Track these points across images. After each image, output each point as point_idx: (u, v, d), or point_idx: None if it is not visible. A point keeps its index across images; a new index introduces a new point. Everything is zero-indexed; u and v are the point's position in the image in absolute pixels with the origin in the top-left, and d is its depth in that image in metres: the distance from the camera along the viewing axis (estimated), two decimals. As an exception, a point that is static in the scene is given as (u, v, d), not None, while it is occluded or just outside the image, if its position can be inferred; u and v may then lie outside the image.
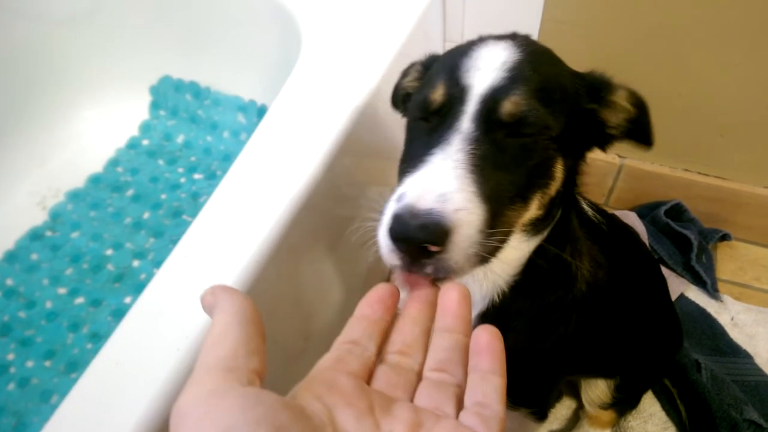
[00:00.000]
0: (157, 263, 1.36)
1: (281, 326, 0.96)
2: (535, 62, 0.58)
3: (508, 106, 0.53)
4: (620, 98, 0.63)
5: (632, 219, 1.39)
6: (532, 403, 0.82)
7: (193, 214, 1.44)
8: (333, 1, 1.16)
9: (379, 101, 0.98)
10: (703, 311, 1.28)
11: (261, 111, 1.52)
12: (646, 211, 1.42)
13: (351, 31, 1.10)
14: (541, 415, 0.85)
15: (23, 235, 1.43)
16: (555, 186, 0.60)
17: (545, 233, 0.66)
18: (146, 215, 1.46)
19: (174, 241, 1.39)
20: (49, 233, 1.44)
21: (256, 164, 0.94)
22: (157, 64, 1.59)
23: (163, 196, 1.49)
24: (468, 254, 0.47)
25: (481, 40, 0.63)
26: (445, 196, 0.46)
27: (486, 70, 0.55)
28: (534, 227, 0.63)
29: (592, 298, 0.74)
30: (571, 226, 0.71)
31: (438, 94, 0.57)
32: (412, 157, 0.53)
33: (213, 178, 1.52)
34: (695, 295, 1.31)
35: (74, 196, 1.49)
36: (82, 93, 1.59)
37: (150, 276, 1.34)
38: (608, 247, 0.77)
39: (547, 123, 0.54)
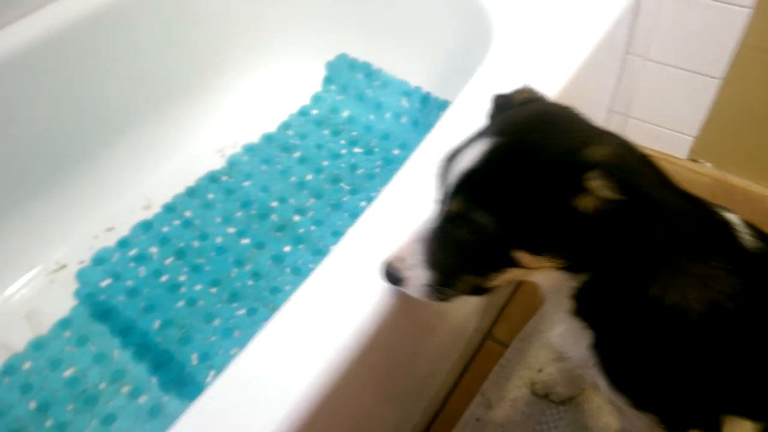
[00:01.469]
0: (316, 222, 1.48)
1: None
2: (503, 162, 0.62)
3: (453, 205, 0.64)
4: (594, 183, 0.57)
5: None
6: None
7: (351, 183, 1.56)
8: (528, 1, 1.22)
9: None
10: None
11: (425, 98, 1.62)
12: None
13: (542, 32, 1.15)
14: None
15: (203, 175, 1.61)
16: (515, 271, 0.65)
17: (585, 276, 0.66)
18: (309, 177, 1.59)
19: (332, 205, 1.52)
20: (225, 178, 1.61)
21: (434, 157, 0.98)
22: (336, 42, 1.73)
23: (325, 163, 1.62)
24: (423, 294, 0.69)
25: (488, 127, 0.67)
26: (403, 260, 0.69)
27: (455, 173, 0.64)
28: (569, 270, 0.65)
29: (717, 329, 0.68)
30: (664, 262, 0.65)
31: (440, 173, 0.68)
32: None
33: (371, 154, 1.63)
34: None
35: (250, 149, 1.66)
36: (265, 60, 1.76)
37: (308, 232, 1.47)
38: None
39: (481, 223, 0.62)
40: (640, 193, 0.57)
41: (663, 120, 1.49)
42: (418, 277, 0.68)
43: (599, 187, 0.56)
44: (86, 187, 1.52)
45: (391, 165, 1.59)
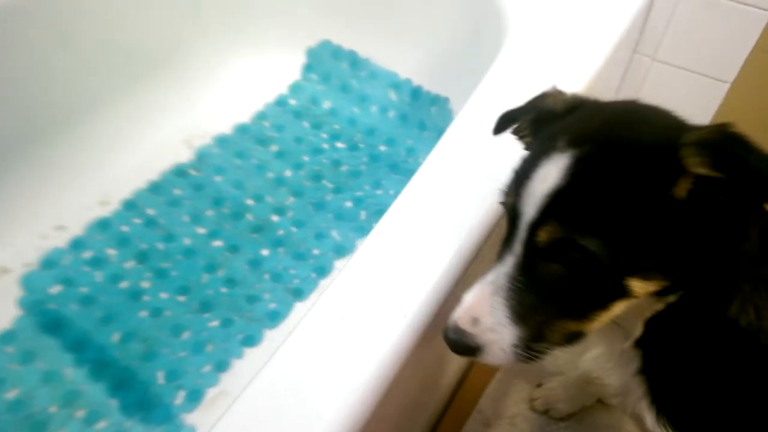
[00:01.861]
0: (297, 223, 1.35)
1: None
2: (601, 171, 0.52)
3: (542, 236, 0.54)
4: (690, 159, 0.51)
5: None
6: None
7: (334, 181, 1.44)
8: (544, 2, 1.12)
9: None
10: None
11: (415, 91, 1.51)
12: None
13: (559, 31, 1.07)
14: None
15: (168, 169, 1.45)
16: (622, 304, 0.55)
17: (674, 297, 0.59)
18: (288, 173, 1.46)
19: (314, 204, 1.39)
20: (193, 172, 1.45)
21: (449, 163, 0.88)
22: (319, 27, 1.59)
23: (306, 158, 1.49)
24: (504, 360, 0.57)
25: (553, 139, 0.55)
26: (478, 320, 0.57)
27: (535, 198, 0.54)
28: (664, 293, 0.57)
29: None
30: (744, 283, 0.61)
31: (508, 203, 0.59)
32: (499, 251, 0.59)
33: (355, 150, 1.51)
34: None
35: (222, 141, 1.50)
36: (240, 44, 1.61)
37: (288, 233, 1.34)
38: None
39: (587, 249, 0.51)
40: (746, 168, 0.49)
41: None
42: (504, 338, 0.56)
43: (695, 164, 0.50)
44: (33, 178, 1.33)
45: (378, 162, 1.47)
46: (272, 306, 1.22)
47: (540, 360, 0.58)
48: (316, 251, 1.31)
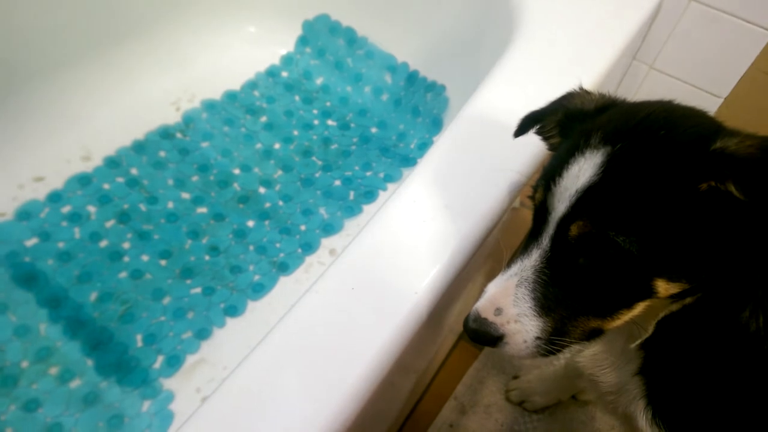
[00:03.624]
0: (284, 197, 1.34)
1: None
2: (637, 168, 0.53)
3: (574, 230, 0.55)
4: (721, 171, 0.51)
5: None
6: None
7: (323, 158, 1.43)
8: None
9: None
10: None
11: (411, 76, 1.51)
12: None
13: (570, 31, 1.08)
14: None
15: (154, 129, 1.41)
16: (644, 304, 0.57)
17: (692, 299, 0.61)
18: (277, 146, 1.44)
19: (302, 180, 1.38)
20: (179, 135, 1.42)
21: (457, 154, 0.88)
22: (318, 0, 1.57)
23: (296, 132, 1.48)
24: (525, 352, 0.58)
25: (586, 137, 0.57)
26: (501, 310, 0.57)
27: (567, 194, 0.55)
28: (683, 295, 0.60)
29: None
30: (759, 289, 0.61)
31: (537, 199, 0.60)
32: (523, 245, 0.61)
33: (346, 129, 1.50)
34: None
35: (210, 106, 1.47)
36: (236, 8, 1.57)
37: (275, 207, 1.33)
38: None
39: (619, 246, 0.52)
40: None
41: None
42: (528, 330, 0.57)
43: (724, 178, 0.50)
44: (11, 123, 1.27)
45: (368, 144, 1.47)
46: (257, 278, 1.21)
47: (556, 355, 0.58)
48: (302, 227, 1.30)
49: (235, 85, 1.53)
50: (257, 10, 1.58)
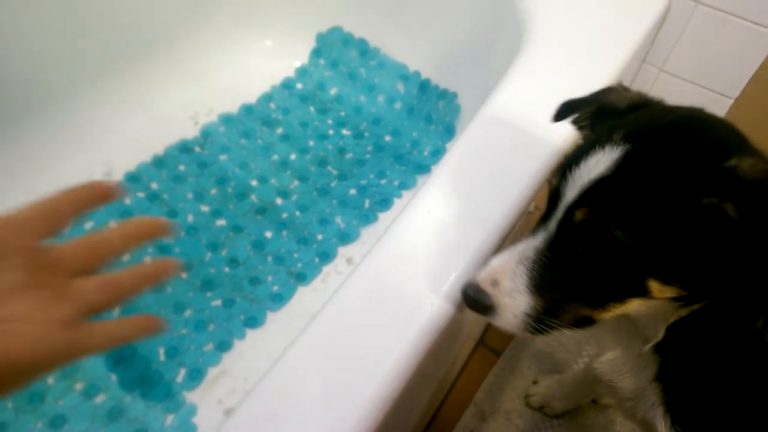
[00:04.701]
0: (301, 207, 1.36)
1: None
2: (648, 169, 0.53)
3: (578, 215, 0.56)
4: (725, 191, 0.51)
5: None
6: None
7: (339, 168, 1.44)
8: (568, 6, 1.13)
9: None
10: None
11: (423, 84, 1.52)
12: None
13: (580, 36, 1.08)
14: None
15: (173, 144, 1.43)
16: (638, 302, 0.57)
17: (699, 305, 0.60)
18: (293, 156, 1.46)
19: (318, 190, 1.39)
20: (198, 149, 1.44)
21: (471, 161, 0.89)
22: (331, 13, 1.58)
23: (311, 143, 1.49)
24: (514, 326, 0.61)
25: (609, 132, 0.57)
26: (498, 282, 0.60)
27: (580, 183, 0.57)
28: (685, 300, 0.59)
29: None
30: None
31: (553, 185, 0.62)
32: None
33: (360, 138, 1.51)
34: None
35: (227, 120, 1.49)
36: (250, 23, 1.59)
37: (292, 217, 1.35)
38: None
39: (616, 239, 0.53)
40: None
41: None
42: (518, 304, 0.59)
43: (725, 201, 0.50)
44: (35, 142, 1.31)
45: (383, 152, 1.48)
46: (275, 289, 1.22)
47: (543, 334, 0.61)
48: (319, 236, 1.31)
49: (252, 98, 1.56)
50: (273, 24, 1.60)
